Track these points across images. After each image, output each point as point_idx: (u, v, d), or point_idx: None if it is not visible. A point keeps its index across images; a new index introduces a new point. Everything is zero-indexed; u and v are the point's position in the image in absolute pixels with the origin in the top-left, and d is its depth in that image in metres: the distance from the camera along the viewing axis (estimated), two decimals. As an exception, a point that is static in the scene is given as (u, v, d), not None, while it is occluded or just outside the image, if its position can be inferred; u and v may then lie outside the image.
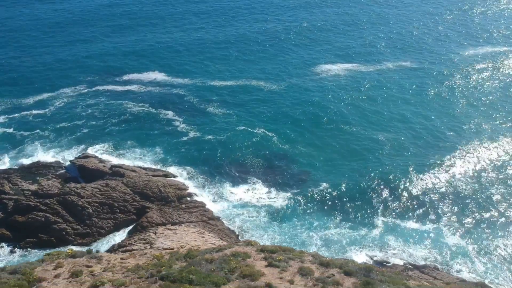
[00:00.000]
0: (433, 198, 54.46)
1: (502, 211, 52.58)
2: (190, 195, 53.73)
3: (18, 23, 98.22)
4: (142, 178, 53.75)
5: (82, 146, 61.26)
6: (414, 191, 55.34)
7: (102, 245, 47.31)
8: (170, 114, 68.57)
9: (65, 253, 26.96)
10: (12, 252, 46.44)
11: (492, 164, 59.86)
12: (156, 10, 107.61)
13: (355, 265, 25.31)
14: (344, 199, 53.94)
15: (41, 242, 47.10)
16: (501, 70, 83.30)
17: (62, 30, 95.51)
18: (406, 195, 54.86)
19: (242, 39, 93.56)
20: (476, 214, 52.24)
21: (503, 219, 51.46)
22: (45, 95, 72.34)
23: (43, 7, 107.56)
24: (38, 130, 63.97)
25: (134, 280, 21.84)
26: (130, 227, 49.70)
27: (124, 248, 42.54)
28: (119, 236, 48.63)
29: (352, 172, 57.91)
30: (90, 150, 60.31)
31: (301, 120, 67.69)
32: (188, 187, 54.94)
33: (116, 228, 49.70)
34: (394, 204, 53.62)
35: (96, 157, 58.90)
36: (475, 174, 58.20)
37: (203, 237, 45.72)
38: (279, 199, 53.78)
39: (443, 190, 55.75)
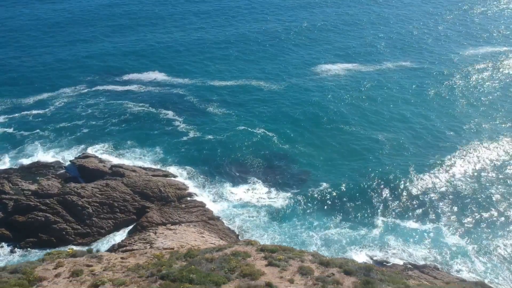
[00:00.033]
0: (433, 198, 54.49)
1: (502, 211, 52.61)
2: (190, 195, 53.76)
3: (18, 23, 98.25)
4: (142, 178, 53.78)
5: (82, 146, 61.29)
6: (414, 191, 55.37)
7: (102, 245, 47.33)
8: (170, 114, 68.60)
9: (65, 253, 26.98)
10: (12, 252, 46.47)
11: (492, 164, 59.88)
12: (156, 10, 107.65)
13: (355, 265, 25.34)
14: (344, 199, 53.98)
15: (41, 242, 47.12)
16: (501, 70, 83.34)
17: (62, 30, 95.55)
18: (406, 195, 54.89)
19: (242, 39, 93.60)
20: (476, 214, 52.27)
21: (503, 219, 51.50)
22: (45, 95, 72.37)
23: (43, 7, 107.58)
24: (38, 130, 63.99)
25: (134, 280, 21.86)
26: (130, 227, 49.73)
27: (124, 248, 42.58)
28: (119, 236, 48.65)
29: (352, 172, 57.93)
30: (90, 150, 60.33)
31: (301, 120, 67.73)
32: (188, 187, 54.97)
33: (116, 228, 49.72)
34: (394, 204, 53.65)
35: (96, 157, 58.92)
36: (475, 174, 58.23)
37: (203, 237, 45.75)
38: (279, 199, 53.80)
39: (443, 190, 55.78)
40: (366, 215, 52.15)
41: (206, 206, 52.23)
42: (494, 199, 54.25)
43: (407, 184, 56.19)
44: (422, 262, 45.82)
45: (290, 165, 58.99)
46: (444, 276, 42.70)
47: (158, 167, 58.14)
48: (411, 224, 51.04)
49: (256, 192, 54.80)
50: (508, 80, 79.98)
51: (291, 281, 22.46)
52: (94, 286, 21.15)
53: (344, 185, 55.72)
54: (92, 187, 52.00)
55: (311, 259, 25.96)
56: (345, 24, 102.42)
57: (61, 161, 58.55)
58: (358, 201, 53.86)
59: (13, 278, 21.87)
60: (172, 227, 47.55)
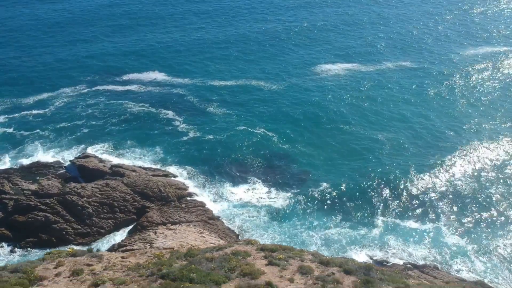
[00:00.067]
0: (433, 198, 54.51)
1: (502, 210, 52.64)
2: (190, 194, 53.78)
3: (18, 23, 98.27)
4: (142, 178, 53.80)
5: (82, 146, 61.32)
6: (414, 191, 55.39)
7: (102, 245, 47.36)
8: (170, 114, 68.63)
9: (65, 252, 27.02)
10: (12, 251, 46.49)
11: (492, 164, 59.91)
12: (156, 10, 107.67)
13: (355, 264, 25.36)
14: (344, 199, 54.00)
15: (41, 242, 47.14)
16: (501, 70, 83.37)
17: (62, 30, 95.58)
18: (406, 194, 54.91)
19: (242, 39, 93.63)
20: (476, 214, 52.30)
21: (502, 219, 51.53)
22: (45, 95, 72.40)
23: (43, 7, 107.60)
24: (38, 130, 64.01)
25: (134, 279, 21.89)
26: (130, 227, 49.76)
27: (124, 248, 42.59)
28: (119, 236, 48.68)
29: (352, 172, 57.96)
30: (90, 150, 60.36)
31: (301, 119, 67.75)
32: (188, 186, 55.00)
33: (116, 227, 49.75)
34: (394, 204, 53.68)
35: (96, 157, 58.95)
36: (475, 174, 58.26)
37: (203, 236, 45.76)
38: (279, 199, 53.83)
39: (443, 189, 55.81)
40: (366, 215, 52.18)
41: (206, 206, 52.26)
42: (493, 199, 54.28)
43: (407, 184, 56.21)
44: (422, 262, 45.86)
45: (290, 165, 59.01)
46: (444, 276, 42.74)
47: (158, 167, 58.17)
48: (411, 224, 51.07)
49: (256, 192, 54.83)
50: (508, 80, 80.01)
51: (291, 280, 22.49)
52: (95, 285, 21.18)
53: (344, 185, 55.75)
54: (92, 187, 52.03)
55: (311, 258, 25.98)
56: (345, 24, 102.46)
57: (61, 161, 58.58)
58: (358, 201, 53.90)
59: (13, 277, 21.90)
60: (172, 227, 47.57)
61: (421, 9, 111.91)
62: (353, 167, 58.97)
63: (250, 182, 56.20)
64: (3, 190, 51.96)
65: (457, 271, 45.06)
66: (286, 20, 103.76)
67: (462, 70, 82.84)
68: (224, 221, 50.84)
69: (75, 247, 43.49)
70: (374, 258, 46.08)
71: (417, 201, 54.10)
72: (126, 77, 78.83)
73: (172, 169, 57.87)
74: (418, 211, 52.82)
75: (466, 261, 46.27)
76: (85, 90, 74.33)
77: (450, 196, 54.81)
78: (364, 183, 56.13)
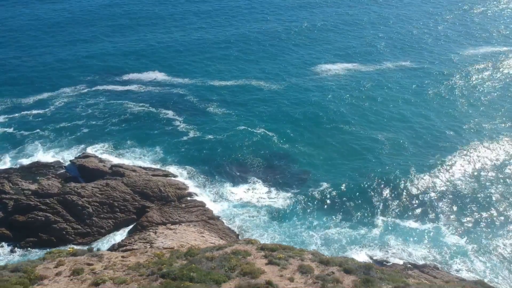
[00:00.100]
0: (433, 198, 54.54)
1: (502, 210, 52.67)
2: (190, 194, 53.81)
3: (19, 23, 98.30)
4: (142, 178, 53.83)
5: (82, 146, 61.35)
6: (414, 191, 55.42)
7: (102, 245, 47.39)
8: (170, 113, 68.66)
9: (66, 252, 27.05)
10: (12, 251, 46.52)
11: (492, 164, 59.94)
12: (156, 10, 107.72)
13: (354, 263, 25.39)
14: (344, 199, 54.02)
15: (41, 242, 47.17)
16: (501, 70, 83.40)
17: (62, 30, 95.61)
18: (406, 194, 54.93)
19: (242, 38, 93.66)
20: (476, 214, 52.33)
21: (502, 219, 51.56)
22: (45, 95, 72.43)
23: (43, 7, 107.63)
24: (38, 130, 64.04)
25: (135, 278, 21.92)
26: (130, 227, 49.80)
27: (124, 248, 42.58)
28: (119, 236, 48.71)
29: (352, 172, 57.98)
30: (90, 150, 60.39)
31: (301, 119, 67.78)
32: (188, 186, 55.02)
33: (116, 227, 49.79)
34: (394, 204, 53.70)
35: (96, 156, 58.99)
36: (475, 173, 58.29)
37: (203, 236, 45.78)
38: (279, 199, 53.85)
39: (442, 189, 55.84)
40: (366, 214, 52.21)
41: (206, 206, 52.30)
42: (493, 199, 54.32)
43: (407, 183, 56.23)
44: (421, 262, 45.90)
45: (290, 165, 59.04)
46: (444, 276, 42.76)
47: (158, 166, 58.20)
48: (411, 223, 51.10)
49: (256, 192, 54.86)
50: (508, 80, 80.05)
51: (291, 279, 22.51)
52: (95, 285, 21.20)
53: (344, 184, 55.77)
54: (92, 186, 52.05)
55: (311, 257, 26.01)
56: (345, 24, 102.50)
57: (61, 161, 58.61)
58: (358, 200, 53.92)
59: (14, 276, 21.93)
60: (172, 226, 47.59)
61: (421, 9, 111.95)
62: (353, 167, 58.99)
63: (250, 182, 56.23)
64: (3, 190, 51.99)
65: (457, 270, 45.10)
66: (286, 20, 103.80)
67: (462, 70, 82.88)
68: (224, 221, 50.86)
69: (75, 247, 43.51)
70: (374, 258, 46.11)
71: (417, 201, 54.14)
72: (126, 77, 78.86)
73: (172, 169, 57.90)
74: (418, 211, 52.85)
75: (466, 260, 46.31)
76: (85, 90, 74.36)
77: (450, 196, 54.84)
78: (364, 183, 56.15)
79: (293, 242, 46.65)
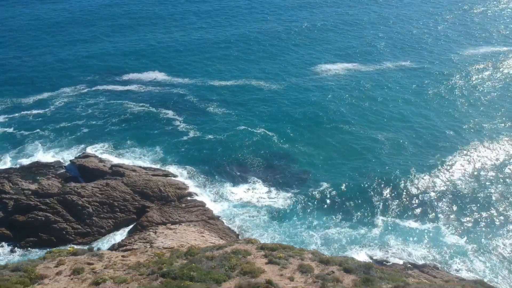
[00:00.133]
0: (433, 198, 54.57)
1: (501, 210, 52.70)
2: (190, 194, 53.84)
3: (19, 23, 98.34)
4: (142, 178, 53.85)
5: (82, 146, 61.37)
6: (414, 191, 55.44)
7: (102, 245, 47.38)
8: (170, 113, 68.68)
9: (66, 251, 27.08)
10: (12, 251, 46.54)
11: (492, 164, 59.96)
12: (156, 10, 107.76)
13: (354, 263, 25.42)
14: (344, 199, 54.04)
15: (41, 242, 47.19)
16: (501, 70, 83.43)
17: (62, 30, 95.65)
18: (406, 194, 54.96)
19: (242, 38, 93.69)
20: (475, 214, 52.36)
21: (502, 218, 51.58)
22: (45, 95, 72.46)
23: (43, 7, 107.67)
24: (38, 130, 64.07)
25: (135, 277, 21.95)
26: (130, 227, 49.82)
27: (124, 248, 42.57)
28: (119, 236, 48.73)
29: (352, 172, 58.01)
30: (90, 150, 60.42)
31: (301, 119, 67.80)
32: (188, 186, 55.04)
33: (116, 227, 49.81)
34: (394, 204, 53.73)
35: (96, 156, 59.02)
36: (475, 173, 58.31)
37: (203, 236, 45.80)
38: (279, 199, 53.87)
39: (442, 189, 55.87)
40: (366, 214, 52.24)
41: (206, 206, 52.32)
42: (493, 198, 54.34)
43: (407, 183, 56.26)
44: (421, 262, 45.92)
45: (290, 165, 59.07)
46: (444, 276, 42.78)
47: (158, 166, 58.22)
48: (411, 223, 51.13)
49: (256, 192, 54.87)
50: (508, 80, 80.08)
51: (291, 278, 22.54)
52: (95, 284, 21.23)
53: (344, 184, 55.79)
54: (92, 186, 52.07)
55: (311, 257, 26.04)
56: (345, 24, 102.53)
57: (61, 161, 58.64)
58: (358, 200, 53.94)
59: (14, 275, 21.96)
60: (172, 226, 47.62)
61: (421, 9, 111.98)
62: (353, 167, 59.02)
63: (250, 182, 56.25)
64: (3, 190, 52.01)
65: (457, 270, 45.13)
66: (286, 20, 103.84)
67: (462, 70, 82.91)
68: (224, 221, 50.89)
69: (76, 247, 43.54)
70: (374, 257, 46.13)
71: (417, 201, 54.17)
72: (126, 77, 78.90)
73: (172, 168, 57.92)
74: (418, 210, 52.88)
75: (465, 260, 46.34)
76: (85, 90, 74.39)
77: (450, 196, 54.87)
78: (364, 183, 56.17)
79: (293, 242, 46.66)
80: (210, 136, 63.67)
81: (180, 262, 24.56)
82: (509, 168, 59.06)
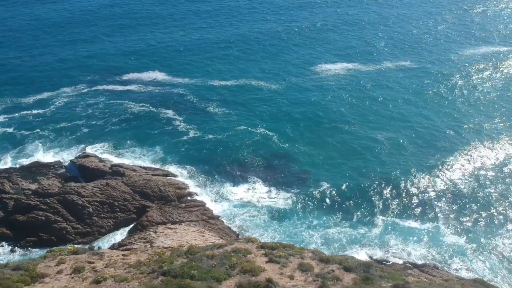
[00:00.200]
0: (433, 197, 54.62)
1: (501, 210, 52.74)
2: (190, 194, 53.87)
3: (19, 23, 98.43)
4: (142, 177, 53.89)
5: (82, 146, 61.42)
6: (414, 190, 55.48)
7: (103, 244, 47.32)
8: (170, 113, 68.73)
9: (67, 250, 27.14)
10: (12, 251, 46.55)
11: (491, 164, 60.01)
12: (157, 10, 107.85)
13: (354, 261, 25.48)
14: (344, 198, 54.08)
15: (42, 241, 47.21)
16: (501, 70, 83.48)
17: (62, 30, 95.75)
18: (406, 194, 55.01)
19: (242, 38, 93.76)
20: (475, 213, 52.40)
21: (501, 218, 51.62)
22: (45, 95, 72.52)
23: (43, 6, 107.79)
24: (38, 130, 64.11)
25: (136, 276, 22.00)
26: (130, 226, 49.85)
27: (125, 247, 42.61)
28: (119, 235, 48.75)
29: (352, 171, 58.06)
30: (90, 150, 60.46)
31: (301, 119, 67.85)
32: (188, 186, 55.07)
33: (116, 227, 49.83)
34: (394, 203, 53.77)
35: (96, 156, 59.06)
36: (474, 173, 58.35)
37: (203, 236, 45.85)
38: (279, 199, 53.90)
39: (442, 189, 55.91)
40: (366, 214, 52.28)
41: (206, 206, 52.35)
42: (493, 198, 54.39)
43: (407, 183, 56.30)
44: (421, 261, 45.96)
45: (290, 165, 59.10)
46: (443, 275, 42.81)
47: (158, 166, 58.24)
48: (411, 223, 51.16)
49: (256, 192, 54.90)
50: (508, 80, 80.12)
51: (291, 277, 22.59)
52: (96, 282, 21.27)
53: (344, 184, 55.83)
54: (92, 186, 52.11)
55: (311, 256, 26.09)
56: (345, 24, 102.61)
57: (61, 161, 58.67)
58: (358, 200, 53.98)
59: (15, 274, 22.02)
60: (172, 226, 47.67)
61: (421, 9, 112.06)
62: (353, 166, 59.06)
63: (250, 182, 56.28)
64: (3, 190, 52.04)
65: (456, 270, 45.17)
66: (286, 20, 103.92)
67: (462, 70, 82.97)
68: (224, 220, 50.92)
69: (76, 246, 43.59)
70: (374, 257, 46.16)
71: (416, 201, 54.21)
72: (126, 76, 78.96)
73: (172, 168, 57.95)
74: (418, 210, 52.92)
75: (465, 260, 46.37)
76: (85, 90, 74.45)
77: (450, 196, 54.92)
78: (364, 182, 56.21)
79: (293, 242, 46.58)
80: (210, 136, 63.72)
81: (180, 260, 24.62)
82: (509, 168, 59.11)
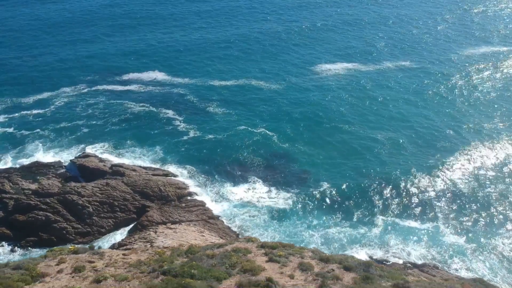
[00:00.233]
0: (432, 197, 54.64)
1: (501, 210, 52.77)
2: (190, 194, 53.89)
3: (19, 23, 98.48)
4: (142, 177, 53.92)
5: (82, 146, 61.45)
6: (414, 190, 55.51)
7: (103, 244, 47.29)
8: (170, 113, 68.75)
9: (67, 250, 27.15)
10: (12, 251, 46.56)
11: (491, 164, 60.04)
12: (157, 10, 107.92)
13: (354, 261, 25.49)
14: (344, 198, 54.10)
15: (42, 241, 47.23)
16: (501, 70, 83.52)
17: (62, 30, 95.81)
18: (406, 194, 55.03)
19: (243, 38, 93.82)
20: (475, 213, 52.42)
21: (501, 218, 51.65)
22: (45, 95, 72.55)
23: (43, 7, 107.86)
24: (38, 130, 64.15)
25: (136, 275, 22.00)
26: (131, 226, 49.86)
27: (125, 247, 42.63)
28: (120, 235, 48.77)
29: (352, 171, 58.08)
30: (90, 150, 60.49)
31: (301, 119, 67.88)
32: (188, 186, 55.09)
33: (117, 227, 49.85)
34: (394, 203, 53.80)
35: (96, 156, 59.07)
36: (474, 173, 58.38)
37: (203, 236, 45.87)
38: (279, 198, 53.92)
39: (442, 189, 55.94)
40: (366, 214, 52.30)
41: (206, 206, 52.37)
42: (493, 198, 54.42)
43: (407, 183, 56.33)
44: (421, 261, 45.99)
45: (290, 164, 59.13)
46: (443, 275, 42.81)
47: (158, 166, 58.27)
48: (411, 223, 51.19)
49: (256, 192, 54.92)
50: (508, 80, 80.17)
51: (291, 276, 22.60)
52: (96, 282, 21.27)
53: (344, 184, 55.86)
54: (93, 186, 52.14)
55: (311, 255, 26.10)
56: (345, 24, 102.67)
57: (61, 161, 58.69)
58: (358, 200, 54.01)
59: (16, 273, 22.02)
60: (172, 226, 47.69)
61: (421, 9, 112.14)
62: (353, 166, 59.08)
63: (250, 182, 56.30)
64: (3, 190, 52.06)
65: (456, 270, 45.20)
66: (286, 20, 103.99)
67: (461, 70, 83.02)
68: (224, 220, 50.94)
69: (76, 245, 43.59)
70: (374, 257, 46.19)
71: (416, 201, 54.23)
72: (126, 76, 79.00)
73: (172, 168, 57.97)
74: (418, 210, 52.94)
75: (465, 260, 46.40)
76: (86, 90, 74.49)
77: (450, 195, 54.95)
78: (364, 182, 56.24)
79: (293, 241, 46.57)
80: (210, 136, 63.74)
81: (180, 260, 24.63)
82: (509, 168, 59.15)
